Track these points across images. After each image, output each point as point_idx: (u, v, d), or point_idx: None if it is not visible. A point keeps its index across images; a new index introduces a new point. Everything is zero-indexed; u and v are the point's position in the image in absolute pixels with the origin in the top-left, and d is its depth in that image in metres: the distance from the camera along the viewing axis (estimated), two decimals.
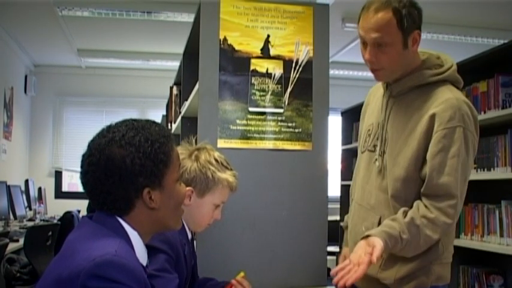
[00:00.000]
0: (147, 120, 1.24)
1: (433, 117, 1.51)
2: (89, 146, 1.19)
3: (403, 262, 1.57)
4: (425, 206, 1.52)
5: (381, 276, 1.61)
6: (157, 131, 1.21)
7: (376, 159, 1.64)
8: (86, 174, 1.17)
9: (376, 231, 1.49)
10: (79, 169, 1.20)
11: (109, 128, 1.20)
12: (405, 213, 1.53)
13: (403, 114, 1.60)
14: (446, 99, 1.52)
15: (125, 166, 1.14)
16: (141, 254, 1.20)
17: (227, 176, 1.69)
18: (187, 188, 1.64)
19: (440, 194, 1.51)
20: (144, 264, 1.21)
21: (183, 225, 1.68)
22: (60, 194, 6.90)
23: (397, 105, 1.63)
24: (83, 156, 1.19)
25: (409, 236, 1.48)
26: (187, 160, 1.68)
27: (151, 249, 1.47)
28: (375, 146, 1.69)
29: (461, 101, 1.53)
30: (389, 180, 1.59)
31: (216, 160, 1.69)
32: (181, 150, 1.71)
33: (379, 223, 1.60)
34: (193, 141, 1.77)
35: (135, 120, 1.23)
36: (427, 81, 1.58)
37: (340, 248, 5.05)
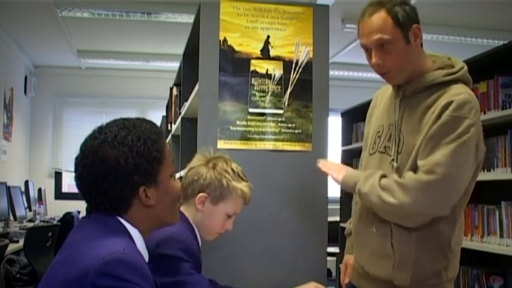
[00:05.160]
0: (138, 119, 1.24)
1: (443, 107, 1.53)
2: (81, 148, 1.19)
3: (417, 264, 1.57)
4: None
5: (395, 277, 1.60)
6: (148, 128, 1.21)
7: (393, 160, 1.64)
8: (81, 177, 1.18)
9: (349, 174, 1.70)
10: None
11: (100, 129, 1.20)
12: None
13: (417, 113, 1.61)
14: (459, 93, 1.54)
15: (119, 166, 1.14)
16: (143, 251, 1.20)
17: (242, 186, 1.70)
18: (201, 194, 1.65)
19: (422, 168, 1.51)
20: (147, 261, 1.21)
21: (195, 232, 1.69)
22: (60, 194, 6.89)
23: (410, 105, 1.64)
24: (76, 159, 1.19)
25: (367, 190, 1.59)
26: (204, 167, 1.70)
27: (174, 259, 1.50)
28: (385, 147, 1.69)
29: (472, 97, 1.55)
30: None
31: (233, 170, 1.71)
32: (199, 157, 1.75)
33: (391, 225, 1.60)
34: (211, 150, 1.79)
35: (125, 119, 1.23)
36: (441, 80, 1.59)
37: (340, 249, 5.05)
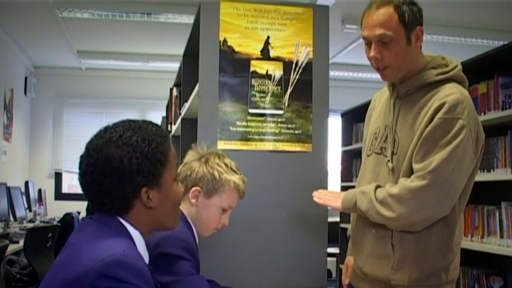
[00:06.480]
0: (144, 121, 1.25)
1: (435, 109, 1.52)
2: (86, 147, 1.20)
3: (416, 264, 1.57)
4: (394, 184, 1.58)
5: (393, 277, 1.60)
6: (154, 131, 1.22)
7: (388, 161, 1.64)
8: (85, 175, 1.18)
9: (347, 197, 1.69)
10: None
11: (106, 129, 1.21)
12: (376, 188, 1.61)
13: (411, 114, 1.61)
14: (451, 93, 1.53)
15: (123, 166, 1.15)
16: (143, 252, 1.20)
17: (235, 178, 1.70)
18: (194, 188, 1.66)
19: (416, 174, 1.51)
20: (147, 262, 1.21)
21: (192, 229, 1.69)
22: (60, 195, 6.90)
23: (404, 105, 1.64)
24: (81, 157, 1.20)
25: (367, 208, 1.60)
26: (197, 162, 1.71)
27: (175, 258, 1.50)
28: (382, 148, 1.69)
29: (465, 96, 1.54)
30: None
31: (226, 164, 1.72)
32: (193, 153, 1.76)
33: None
34: (205, 147, 1.79)
35: (132, 120, 1.24)
36: (433, 79, 1.59)
37: (340, 249, 5.04)
